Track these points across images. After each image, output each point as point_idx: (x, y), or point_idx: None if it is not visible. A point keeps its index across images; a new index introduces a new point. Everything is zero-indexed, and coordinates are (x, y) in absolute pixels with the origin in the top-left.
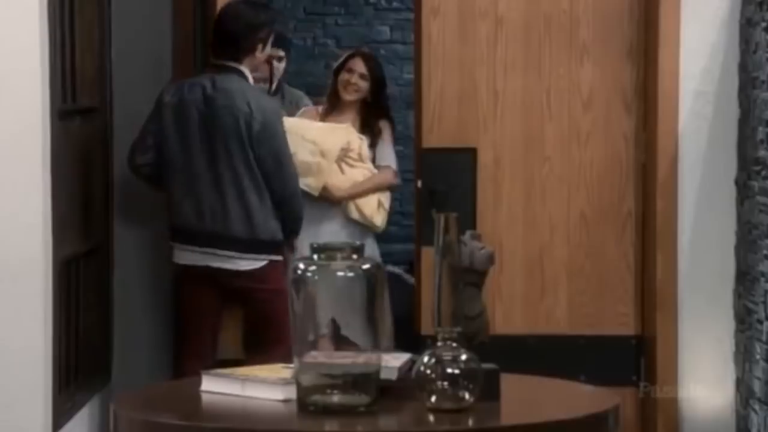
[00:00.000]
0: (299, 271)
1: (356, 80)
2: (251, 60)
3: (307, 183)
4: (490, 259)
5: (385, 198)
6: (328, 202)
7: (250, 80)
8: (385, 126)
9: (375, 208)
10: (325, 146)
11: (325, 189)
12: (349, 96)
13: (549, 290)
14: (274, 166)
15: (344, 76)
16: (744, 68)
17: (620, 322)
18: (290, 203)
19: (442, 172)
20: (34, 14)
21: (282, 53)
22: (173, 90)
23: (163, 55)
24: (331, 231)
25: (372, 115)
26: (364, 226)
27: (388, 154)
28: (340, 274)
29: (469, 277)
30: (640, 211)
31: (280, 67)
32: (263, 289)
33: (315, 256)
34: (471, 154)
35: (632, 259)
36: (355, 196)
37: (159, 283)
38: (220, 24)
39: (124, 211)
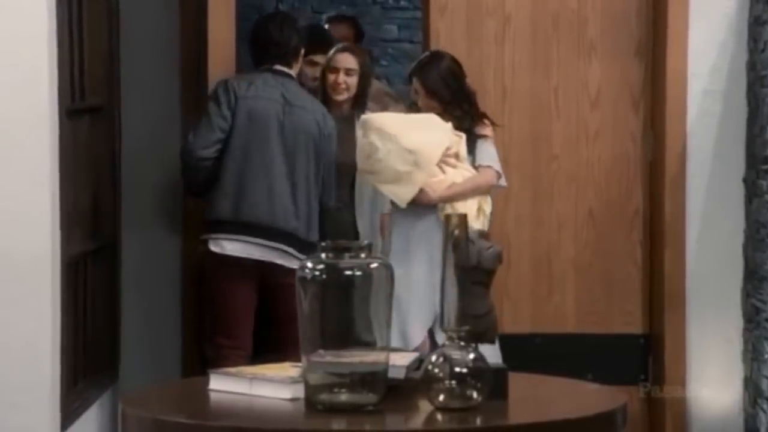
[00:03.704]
0: (307, 270)
1: (422, 102)
2: (296, 66)
3: (395, 192)
4: (498, 258)
5: (486, 202)
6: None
7: None
8: (484, 124)
9: (474, 213)
10: (423, 158)
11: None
12: (425, 110)
13: (557, 288)
14: (328, 175)
15: (411, 95)
16: (752, 66)
17: (628, 321)
18: (329, 214)
19: None
20: (42, 14)
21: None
22: (245, 85)
23: (171, 54)
24: (425, 234)
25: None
26: None
27: (489, 153)
28: (348, 272)
29: (476, 276)
30: (648, 210)
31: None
32: None
33: (323, 255)
34: None
35: (640, 258)
36: (450, 199)
37: (167, 282)
38: (267, 32)
39: (132, 210)
